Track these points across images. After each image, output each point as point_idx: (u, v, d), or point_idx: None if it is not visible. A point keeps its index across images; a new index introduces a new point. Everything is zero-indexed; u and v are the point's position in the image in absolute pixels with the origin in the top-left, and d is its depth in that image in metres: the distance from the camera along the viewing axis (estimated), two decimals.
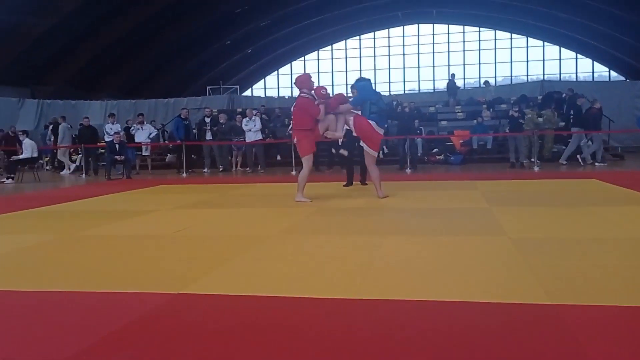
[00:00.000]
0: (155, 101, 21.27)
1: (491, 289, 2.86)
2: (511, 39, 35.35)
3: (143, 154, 15.99)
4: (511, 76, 35.29)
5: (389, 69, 37.30)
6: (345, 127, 8.74)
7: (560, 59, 34.69)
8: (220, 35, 29.12)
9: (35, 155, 13.37)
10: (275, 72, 39.26)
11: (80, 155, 15.41)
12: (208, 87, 26.73)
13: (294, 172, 7.38)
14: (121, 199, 8.09)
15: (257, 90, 38.95)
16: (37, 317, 2.63)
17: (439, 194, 7.41)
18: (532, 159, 12.56)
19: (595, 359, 1.97)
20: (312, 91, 6.97)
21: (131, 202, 7.60)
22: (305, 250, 4.02)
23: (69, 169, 15.57)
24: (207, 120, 14.79)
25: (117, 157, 12.97)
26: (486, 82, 21.19)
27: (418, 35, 36.86)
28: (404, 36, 37.13)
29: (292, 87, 37.19)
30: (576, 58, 34.33)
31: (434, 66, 36.63)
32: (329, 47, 38.12)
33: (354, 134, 7.30)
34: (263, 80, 39.60)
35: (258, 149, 14.16)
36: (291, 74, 38.22)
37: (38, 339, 2.34)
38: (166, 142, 17.59)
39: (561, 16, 28.31)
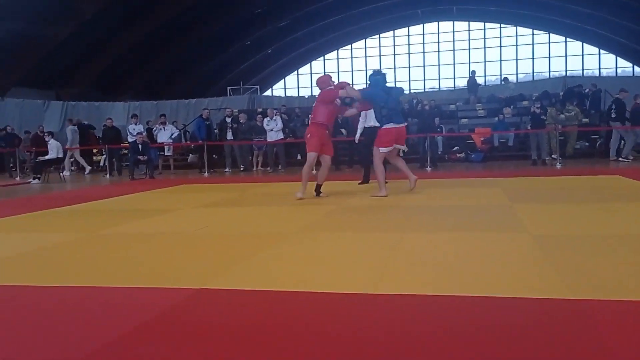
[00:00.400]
0: (177, 102, 21.50)
1: (512, 284, 2.84)
2: (533, 35, 34.92)
3: (165, 154, 16.16)
4: (533, 73, 34.85)
5: (409, 67, 37.12)
6: (365, 125, 8.79)
7: (582, 55, 34.17)
8: (241, 36, 29.28)
9: (61, 155, 13.60)
10: (295, 72, 39.31)
11: (104, 156, 15.65)
12: (229, 88, 26.91)
13: (314, 172, 7.42)
14: (144, 198, 8.21)
15: (277, 90, 39.07)
16: (63, 312, 2.70)
17: (459, 191, 7.38)
18: (554, 156, 12.41)
19: (619, 353, 1.95)
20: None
21: (154, 201, 7.70)
22: (325, 247, 4.04)
23: (86, 168, 15.95)
24: (228, 120, 14.91)
25: (140, 157, 13.14)
26: (505, 79, 20.98)
27: (438, 32, 36.62)
28: (424, 34, 36.90)
29: (312, 86, 37.36)
30: (599, 53, 33.78)
31: (454, 64, 36.36)
32: (349, 46, 38.04)
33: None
34: (283, 80, 39.68)
35: (279, 148, 14.23)
36: (311, 73, 38.27)
37: (63, 332, 2.40)
38: (188, 142, 17.76)
39: (583, 11, 27.89)
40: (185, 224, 5.45)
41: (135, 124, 15.16)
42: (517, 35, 35.28)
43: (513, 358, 1.95)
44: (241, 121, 14.79)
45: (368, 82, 7.47)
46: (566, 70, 32.89)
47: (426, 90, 31.27)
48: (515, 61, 35.41)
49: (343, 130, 13.62)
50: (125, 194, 8.64)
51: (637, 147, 13.99)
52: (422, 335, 2.21)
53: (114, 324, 2.45)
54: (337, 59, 38.48)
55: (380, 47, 37.83)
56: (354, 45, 38.01)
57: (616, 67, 33.74)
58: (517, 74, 34.70)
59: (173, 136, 16.22)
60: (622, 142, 13.05)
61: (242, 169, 14.55)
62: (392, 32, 37.18)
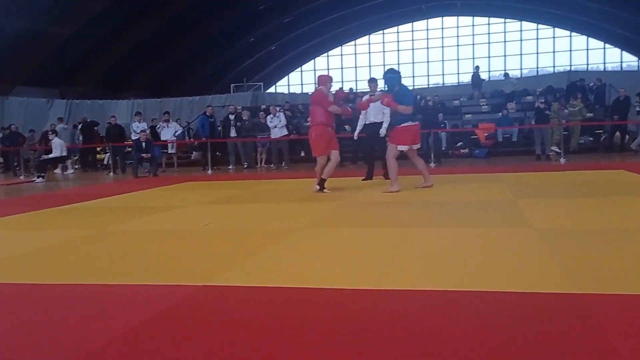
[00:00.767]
0: (181, 99, 21.54)
1: (516, 278, 2.85)
2: (537, 29, 34.79)
3: (169, 151, 16.19)
4: (537, 67, 34.73)
5: (413, 63, 37.05)
6: (365, 122, 8.80)
7: (587, 49, 34.03)
8: (244, 33, 29.29)
9: (65, 154, 13.64)
10: (299, 69, 39.31)
11: (108, 154, 15.68)
12: (232, 85, 26.93)
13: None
14: (148, 195, 8.23)
15: (281, 87, 39.09)
16: (69, 308, 2.71)
17: (463, 187, 7.37)
18: (554, 147, 12.40)
19: (622, 348, 1.96)
20: (330, 90, 7.28)
21: (158, 199, 7.72)
22: (330, 242, 4.05)
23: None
24: (232, 117, 14.92)
25: (143, 155, 13.17)
26: (506, 75, 20.91)
27: (442, 28, 36.54)
28: (427, 29, 36.81)
29: (315, 83, 37.20)
30: (604, 48, 33.64)
31: (458, 59, 36.27)
32: (353, 43, 38.00)
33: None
34: (286, 77, 39.69)
35: (282, 145, 14.23)
36: (314, 70, 38.24)
37: (71, 328, 2.42)
38: (191, 139, 17.79)
39: (589, 5, 27.75)
40: (190, 221, 5.46)
41: (139, 122, 15.18)
42: (521, 30, 35.16)
43: (517, 352, 1.95)
44: (244, 118, 14.80)
45: (372, 84, 7.47)
46: (571, 65, 32.74)
47: (430, 86, 31.20)
48: (519, 56, 35.29)
49: (347, 127, 13.62)
50: (129, 192, 8.66)
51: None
52: (427, 329, 2.21)
53: (120, 320, 2.47)
54: (341, 55, 38.46)
55: (384, 43, 37.78)
56: (358, 41, 37.96)
57: (621, 62, 33.60)
58: (521, 69, 34.61)
59: (177, 134, 16.26)
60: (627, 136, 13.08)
61: (245, 166, 14.56)
62: (396, 28, 37.12)
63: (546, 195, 6.24)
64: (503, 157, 14.08)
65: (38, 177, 12.73)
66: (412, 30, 37.04)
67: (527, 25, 34.84)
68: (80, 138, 17.01)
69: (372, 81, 8.78)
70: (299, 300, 2.67)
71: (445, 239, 3.97)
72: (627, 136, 14.39)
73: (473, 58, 34.90)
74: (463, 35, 36.28)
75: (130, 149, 15.30)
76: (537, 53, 35.04)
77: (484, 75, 24.53)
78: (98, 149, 17.66)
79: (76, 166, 17.87)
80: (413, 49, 37.15)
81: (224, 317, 2.48)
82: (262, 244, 4.04)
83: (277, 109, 14.81)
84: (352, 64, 38.10)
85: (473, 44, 36.05)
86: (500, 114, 15.60)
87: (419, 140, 7.16)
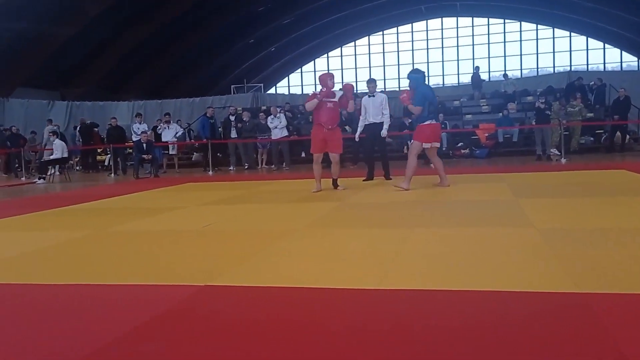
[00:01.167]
0: (181, 101, 21.54)
1: (518, 278, 2.84)
2: (537, 30, 34.78)
3: (170, 152, 16.20)
4: (537, 68, 34.72)
5: (413, 64, 36.99)
6: (366, 122, 8.80)
7: (587, 50, 34.02)
8: (244, 34, 29.29)
9: (66, 155, 13.65)
10: (299, 70, 39.30)
11: (109, 155, 15.69)
12: (232, 86, 26.92)
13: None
14: (149, 196, 8.23)
15: (281, 88, 39.07)
16: (70, 309, 2.71)
17: (464, 187, 7.37)
18: (553, 150, 12.39)
19: (624, 346, 1.95)
20: (326, 88, 7.33)
21: (159, 200, 7.73)
22: (331, 243, 4.05)
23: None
24: (232, 118, 14.92)
25: (144, 156, 13.18)
26: (505, 75, 20.91)
27: (442, 29, 36.52)
28: (427, 30, 36.81)
29: (315, 84, 37.32)
30: (604, 48, 33.62)
31: (458, 60, 36.26)
32: (352, 44, 37.99)
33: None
34: (287, 78, 39.69)
35: (283, 146, 14.24)
36: (314, 71, 38.24)
37: (73, 328, 2.42)
38: (192, 140, 17.80)
39: (588, 5, 27.75)
40: (191, 221, 5.46)
41: (140, 123, 15.19)
42: (521, 31, 35.14)
43: (520, 351, 1.95)
44: (245, 119, 14.81)
45: (408, 80, 7.52)
46: (571, 65, 32.72)
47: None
48: (519, 57, 35.28)
49: (347, 127, 13.61)
50: (130, 193, 8.66)
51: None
52: (429, 329, 2.21)
53: (121, 321, 2.47)
54: (341, 56, 38.45)
55: (383, 44, 37.77)
56: (358, 42, 37.95)
57: (621, 62, 33.58)
58: (521, 69, 34.58)
59: (177, 135, 16.26)
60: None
61: (246, 167, 14.57)
62: (395, 28, 37.10)
63: (548, 195, 6.24)
64: (504, 157, 14.08)
65: (39, 179, 12.73)
66: (412, 31, 37.04)
67: (526, 25, 34.84)
68: (80, 140, 17.01)
69: (371, 82, 8.84)
70: (300, 300, 2.66)
71: (447, 238, 3.97)
72: (627, 136, 14.40)
73: (473, 59, 34.90)
74: (463, 36, 36.28)
75: (131, 150, 15.31)
76: (537, 53, 35.02)
77: (484, 76, 24.51)
78: (99, 150, 17.67)
79: (77, 168, 17.89)
80: (413, 50, 37.16)
81: (225, 316, 2.48)
82: (264, 244, 4.04)
83: (278, 109, 14.82)
84: (352, 65, 38.10)
85: (473, 45, 36.03)
86: (500, 114, 15.60)
87: (439, 140, 7.38)
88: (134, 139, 14.56)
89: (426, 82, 7.33)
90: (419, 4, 32.77)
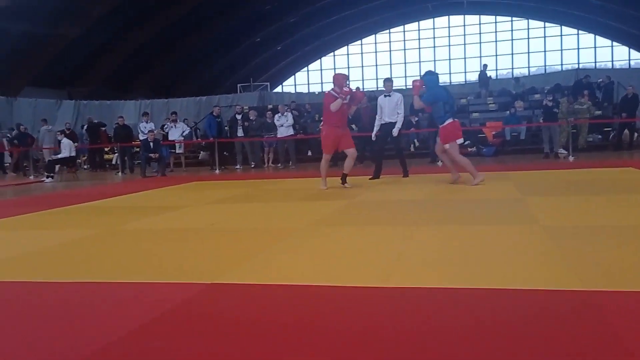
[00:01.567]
0: (188, 100, 21.62)
1: (524, 276, 2.83)
2: (544, 27, 34.64)
3: (177, 151, 16.25)
4: (545, 66, 34.57)
5: (420, 62, 36.98)
6: (381, 122, 8.81)
7: (595, 47, 33.85)
8: (250, 33, 29.34)
9: (73, 154, 13.71)
10: (305, 68, 39.33)
11: (116, 154, 15.75)
12: (239, 85, 26.97)
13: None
14: (156, 195, 8.26)
15: (287, 86, 39.12)
16: (78, 306, 2.73)
17: (471, 185, 7.35)
18: (565, 152, 12.34)
19: (630, 345, 1.94)
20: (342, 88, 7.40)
21: (166, 198, 7.75)
22: (336, 240, 4.05)
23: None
24: (239, 117, 14.95)
25: (151, 155, 13.21)
26: (516, 79, 20.79)
27: (449, 27, 36.45)
28: (434, 28, 36.74)
29: (322, 82, 37.32)
30: (612, 46, 33.46)
31: (465, 58, 36.18)
32: (359, 42, 37.97)
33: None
34: (293, 76, 39.72)
35: (289, 144, 14.25)
36: (321, 69, 38.27)
37: (79, 326, 2.43)
38: (199, 139, 17.84)
39: (596, 3, 27.62)
40: (197, 220, 5.48)
41: (147, 122, 15.24)
42: (528, 28, 35.03)
43: (526, 349, 1.94)
44: (251, 118, 14.82)
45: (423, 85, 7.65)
46: (578, 63, 32.60)
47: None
48: (527, 54, 35.15)
49: (353, 126, 13.60)
50: (137, 192, 8.70)
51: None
52: (433, 327, 2.21)
53: (126, 319, 2.48)
54: (347, 54, 38.44)
55: (390, 42, 37.74)
56: (364, 40, 37.93)
57: (629, 59, 33.40)
58: (529, 67, 34.48)
59: (184, 134, 16.30)
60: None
61: (252, 165, 14.58)
62: (402, 26, 37.06)
63: (555, 193, 6.22)
64: (511, 155, 14.03)
65: (47, 177, 12.80)
66: (419, 29, 36.96)
67: (534, 23, 34.69)
68: (88, 139, 17.10)
69: (388, 81, 9.00)
70: (305, 298, 2.67)
71: (453, 236, 3.96)
72: (635, 134, 14.31)
73: (480, 56, 34.81)
74: (470, 34, 36.17)
75: (138, 149, 15.36)
76: (545, 51, 34.90)
77: (491, 74, 24.43)
78: (106, 149, 17.75)
79: (85, 166, 17.98)
80: (420, 48, 37.08)
81: (230, 315, 2.49)
82: (269, 242, 4.05)
83: (285, 108, 14.83)
84: (359, 64, 38.07)
85: (480, 43, 35.94)
86: (508, 112, 15.54)
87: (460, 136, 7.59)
88: (141, 137, 14.61)
89: (440, 84, 7.49)
90: (426, 2, 32.72)
